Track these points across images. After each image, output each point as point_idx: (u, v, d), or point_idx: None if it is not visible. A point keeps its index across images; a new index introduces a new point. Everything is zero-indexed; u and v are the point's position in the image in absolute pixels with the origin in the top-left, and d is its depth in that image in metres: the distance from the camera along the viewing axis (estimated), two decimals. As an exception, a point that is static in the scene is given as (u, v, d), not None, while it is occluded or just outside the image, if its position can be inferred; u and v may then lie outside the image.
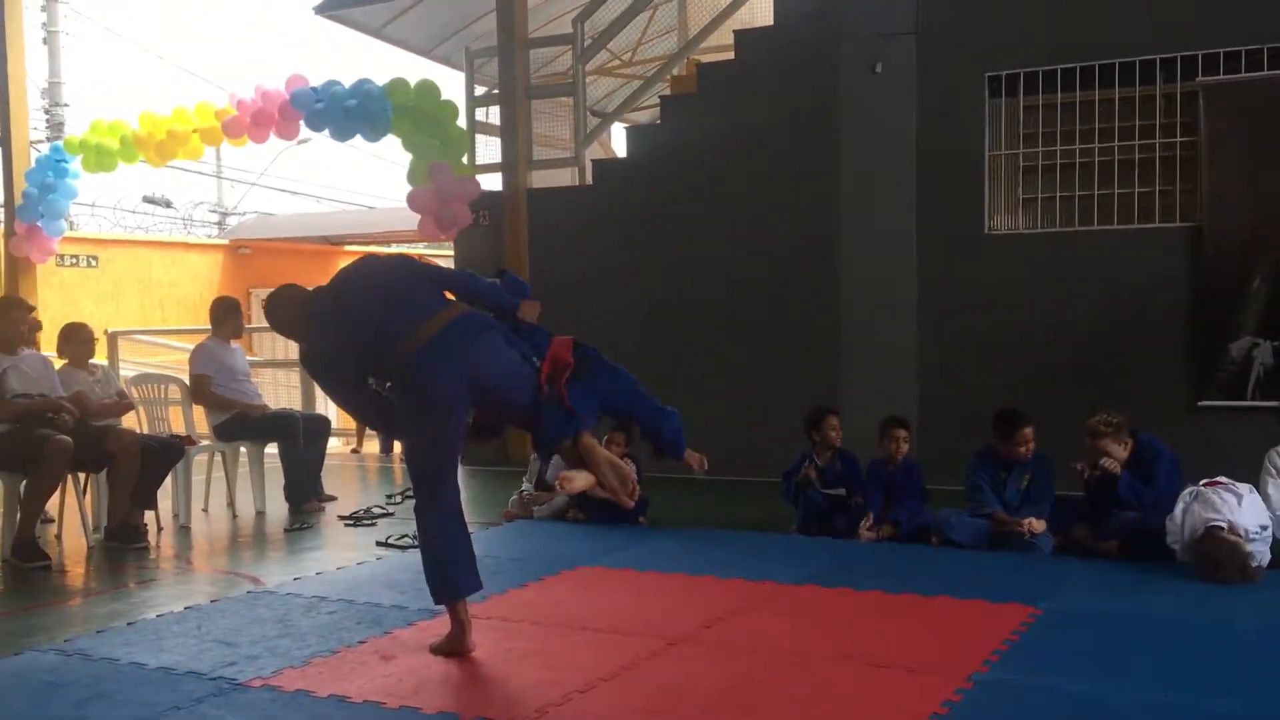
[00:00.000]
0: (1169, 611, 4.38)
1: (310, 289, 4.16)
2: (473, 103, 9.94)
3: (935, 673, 3.64)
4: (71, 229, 14.65)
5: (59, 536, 6.53)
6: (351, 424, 11.46)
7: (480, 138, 9.82)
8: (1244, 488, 5.02)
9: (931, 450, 6.92)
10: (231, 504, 7.24)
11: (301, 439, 7.19)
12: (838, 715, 3.31)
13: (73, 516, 6.52)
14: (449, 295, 4.06)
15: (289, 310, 4.14)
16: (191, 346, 7.92)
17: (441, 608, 4.03)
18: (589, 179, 9.27)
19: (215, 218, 23.58)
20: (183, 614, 4.64)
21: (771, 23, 8.40)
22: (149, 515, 6.46)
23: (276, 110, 9.47)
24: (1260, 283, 6.79)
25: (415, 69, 14.32)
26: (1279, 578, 4.94)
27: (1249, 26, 6.83)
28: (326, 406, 12.23)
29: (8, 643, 4.25)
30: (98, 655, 4.05)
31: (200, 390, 7.13)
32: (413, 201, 9.18)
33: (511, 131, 9.36)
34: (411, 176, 9.24)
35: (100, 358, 9.14)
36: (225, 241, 17.09)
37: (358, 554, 5.86)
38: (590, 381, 4.00)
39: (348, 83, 9.30)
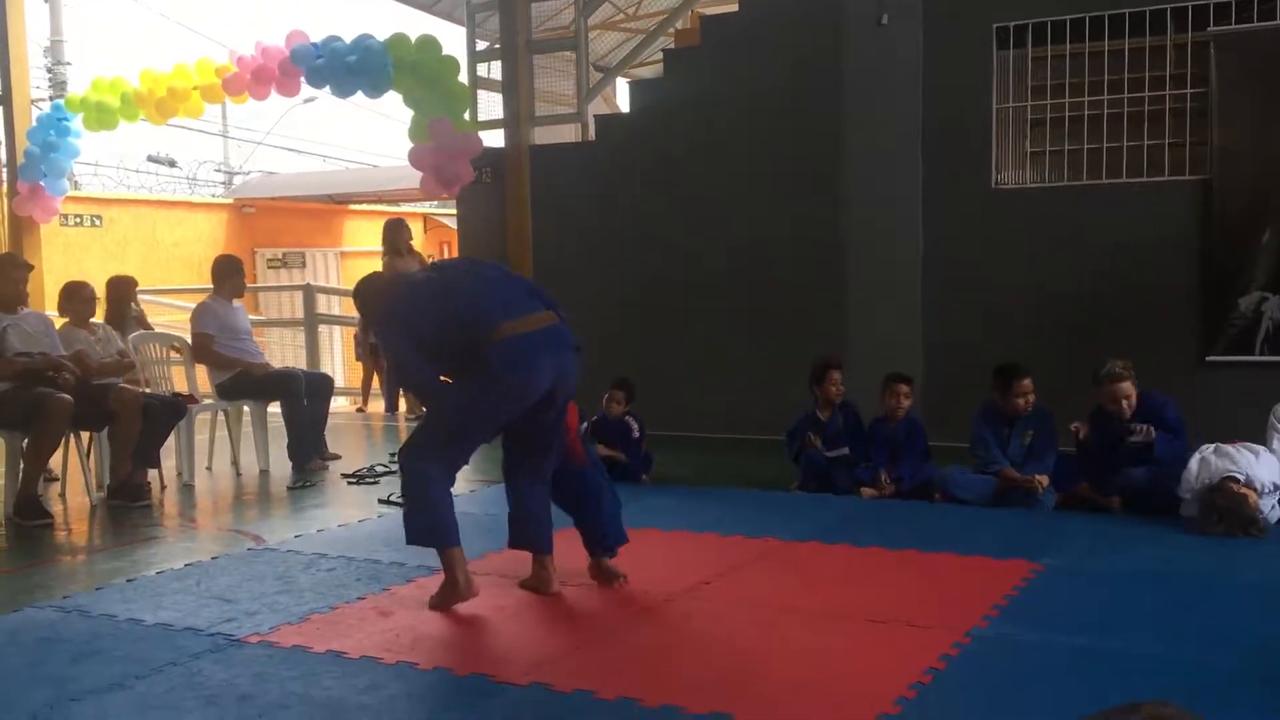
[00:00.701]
0: (1170, 566, 4.35)
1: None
2: (474, 58, 9.84)
3: (934, 627, 3.63)
4: (76, 189, 14.62)
5: (63, 495, 6.54)
6: (357, 382, 11.49)
7: (482, 94, 9.72)
8: (1258, 447, 5.04)
9: (937, 406, 6.89)
10: (235, 462, 7.25)
11: (304, 398, 7.18)
12: (836, 669, 3.30)
13: (76, 475, 6.54)
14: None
15: (382, 286, 4.33)
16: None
17: (438, 565, 4.02)
18: (592, 135, 9.19)
19: (221, 177, 23.53)
20: (183, 571, 4.65)
21: (776, -26, 8.27)
22: (152, 474, 6.46)
23: (277, 67, 9.38)
24: (1270, 236, 6.70)
25: (416, 24, 14.17)
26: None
27: (1262, -26, 6.70)
28: (332, 365, 12.30)
29: (8, 600, 4.26)
30: (96, 612, 4.06)
31: (202, 349, 7.11)
32: (414, 158, 9.10)
33: (513, 87, 9.26)
34: (413, 133, 9.16)
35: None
36: (229, 201, 17.03)
37: (360, 512, 5.86)
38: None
39: (348, 38, 9.20)
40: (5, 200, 11.22)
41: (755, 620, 3.82)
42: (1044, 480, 5.45)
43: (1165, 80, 7.07)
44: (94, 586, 4.43)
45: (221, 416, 7.41)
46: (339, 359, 13.31)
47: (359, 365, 11.76)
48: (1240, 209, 6.79)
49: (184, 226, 15.16)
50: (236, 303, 7.41)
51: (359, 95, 9.37)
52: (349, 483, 6.72)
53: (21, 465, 5.82)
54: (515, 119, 9.21)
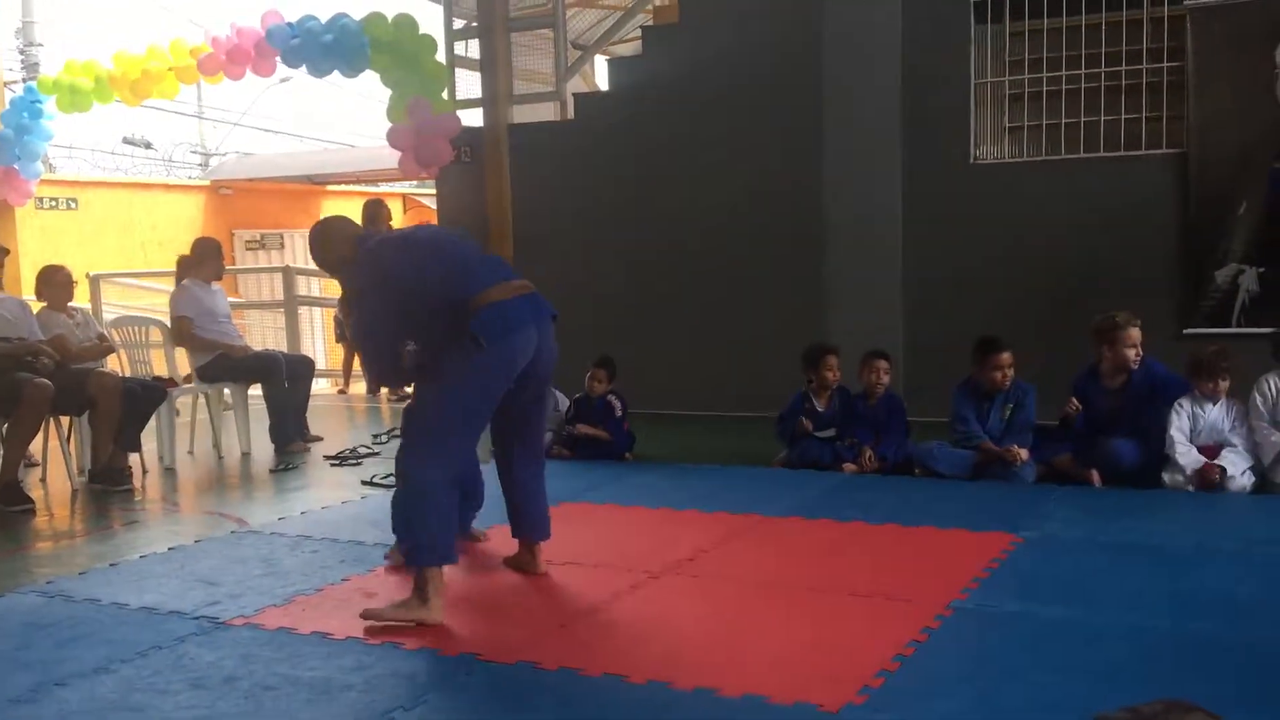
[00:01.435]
0: (1150, 537, 4.40)
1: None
2: (451, 36, 9.76)
3: (915, 600, 3.66)
4: (51, 171, 14.47)
5: (44, 480, 6.52)
6: (338, 364, 11.45)
7: (460, 72, 9.66)
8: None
9: (917, 383, 6.92)
10: (217, 445, 7.23)
11: (285, 380, 7.16)
12: (818, 643, 3.33)
13: (57, 460, 6.51)
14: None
15: (342, 235, 3.99)
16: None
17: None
18: (571, 113, 9.15)
19: (197, 159, 23.35)
20: (166, 554, 4.64)
21: (754, -51, 8.23)
22: (134, 458, 6.44)
23: (252, 47, 9.30)
24: (1246, 209, 6.74)
25: (393, 2, 14.06)
26: (1260, 503, 4.99)
27: (1238, -53, 6.71)
28: (312, 347, 12.25)
29: (-9, 586, 4.25)
30: (80, 596, 4.05)
31: (182, 332, 7.08)
32: (393, 138, 9.05)
33: (491, 66, 9.19)
34: (391, 113, 9.11)
35: (83, 301, 9.10)
36: (207, 182, 16.90)
37: (343, 493, 5.86)
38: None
39: (324, 18, 9.13)
40: (-21, 184, 11.09)
41: (739, 595, 3.85)
42: (1023, 453, 5.47)
43: (1142, 54, 7.08)
44: (77, 571, 4.42)
45: (202, 400, 7.39)
46: (319, 341, 13.26)
47: (339, 347, 11.71)
48: (1217, 182, 6.82)
49: (161, 208, 15.03)
50: (216, 285, 7.37)
51: (336, 74, 9.31)
52: (331, 464, 6.71)
53: (1, 451, 5.79)
54: (494, 98, 9.15)
